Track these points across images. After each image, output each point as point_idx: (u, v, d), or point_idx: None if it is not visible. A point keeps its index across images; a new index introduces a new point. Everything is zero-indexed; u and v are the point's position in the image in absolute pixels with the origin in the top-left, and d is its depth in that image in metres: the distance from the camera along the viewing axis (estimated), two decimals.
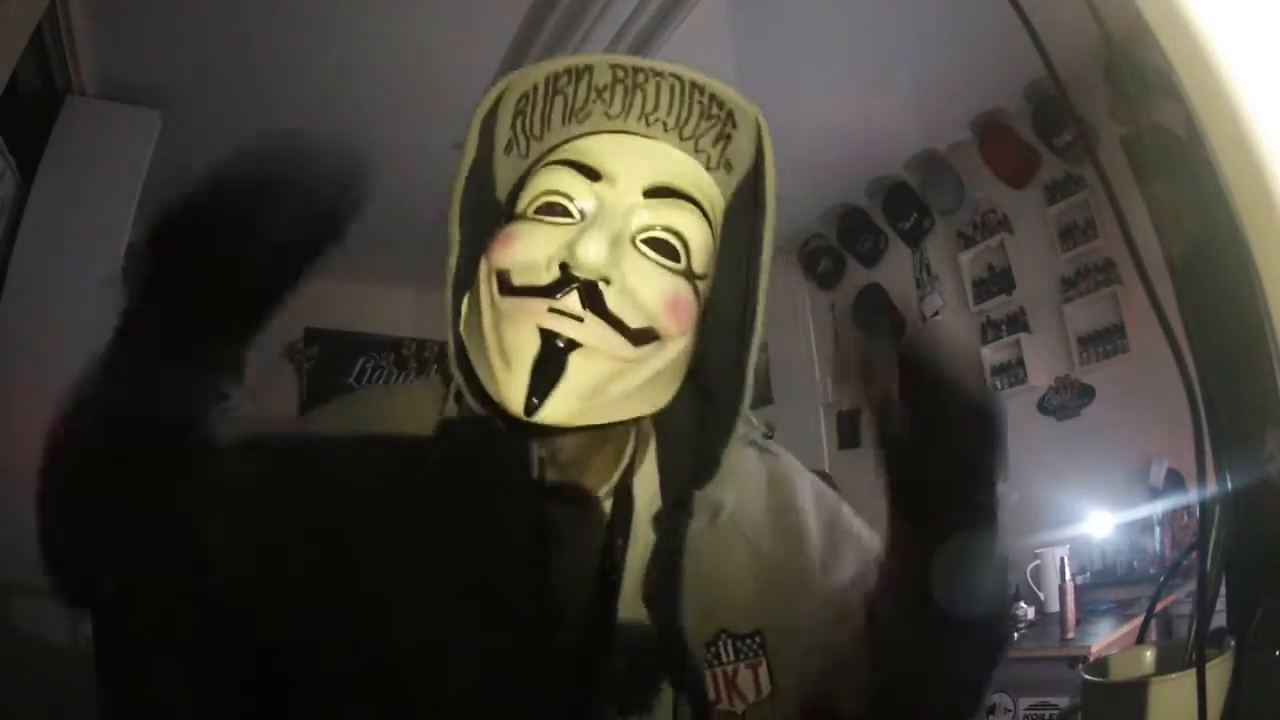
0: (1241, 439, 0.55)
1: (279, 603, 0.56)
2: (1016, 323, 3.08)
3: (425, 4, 2.31)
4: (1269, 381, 0.48)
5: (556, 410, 0.57)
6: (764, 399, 4.16)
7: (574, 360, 0.57)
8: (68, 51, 2.36)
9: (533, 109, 0.65)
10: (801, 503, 0.70)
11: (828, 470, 3.69)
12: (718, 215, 0.67)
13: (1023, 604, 2.48)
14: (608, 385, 0.59)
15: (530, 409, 0.57)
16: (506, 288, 0.60)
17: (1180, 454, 2.34)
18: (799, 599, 0.65)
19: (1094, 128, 1.95)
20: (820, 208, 3.75)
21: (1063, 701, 2.07)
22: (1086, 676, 0.68)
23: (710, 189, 0.66)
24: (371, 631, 0.56)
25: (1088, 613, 2.37)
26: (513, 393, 0.57)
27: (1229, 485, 0.54)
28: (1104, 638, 2.15)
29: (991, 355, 3.14)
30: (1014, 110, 2.99)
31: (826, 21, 2.47)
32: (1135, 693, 0.60)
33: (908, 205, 3.43)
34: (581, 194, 0.62)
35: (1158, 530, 2.43)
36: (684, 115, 0.64)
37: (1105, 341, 2.76)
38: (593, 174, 0.62)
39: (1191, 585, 0.64)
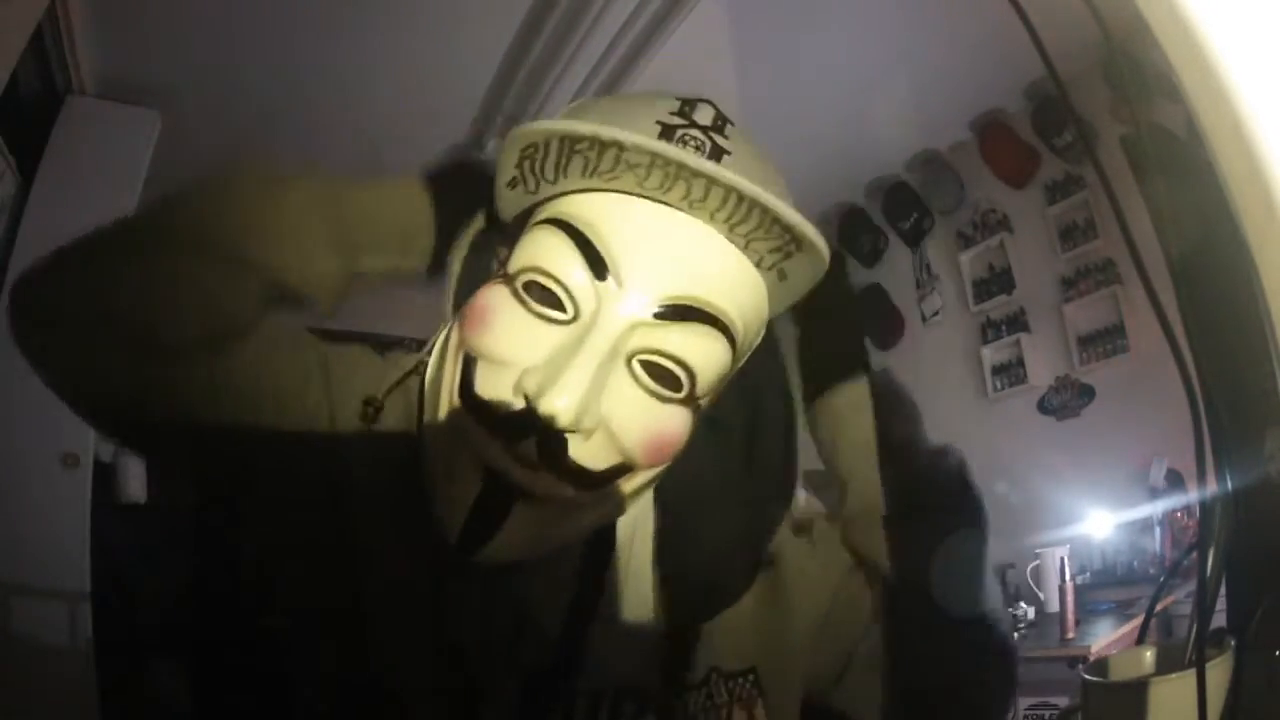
0: (1241, 439, 0.55)
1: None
2: (1016, 323, 3.08)
3: (424, 5, 2.31)
4: (1269, 381, 0.48)
5: (493, 555, 0.51)
6: None
7: (518, 507, 0.51)
8: (68, 51, 2.36)
9: (544, 158, 0.52)
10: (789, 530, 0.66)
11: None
12: (753, 325, 0.56)
13: (1023, 604, 2.49)
14: (554, 527, 0.53)
15: (464, 550, 0.51)
16: (468, 394, 0.52)
17: (1180, 454, 2.34)
18: (791, 633, 0.62)
19: (1094, 128, 1.95)
20: (820, 208, 3.75)
21: (1063, 701, 2.07)
22: (1086, 676, 0.68)
23: (750, 293, 0.54)
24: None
25: (1088, 613, 2.37)
26: (449, 522, 0.51)
27: (1229, 485, 0.54)
28: (1104, 638, 2.15)
29: (991, 355, 3.14)
30: (1014, 110, 2.99)
31: (826, 21, 2.47)
32: (1135, 693, 0.60)
33: (908, 205, 3.43)
34: (581, 290, 0.51)
35: (1158, 530, 2.43)
36: (737, 218, 0.51)
37: (1105, 341, 2.76)
38: (599, 266, 0.51)
39: (1191, 585, 0.64)
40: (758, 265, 0.54)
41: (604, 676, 0.57)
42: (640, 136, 0.49)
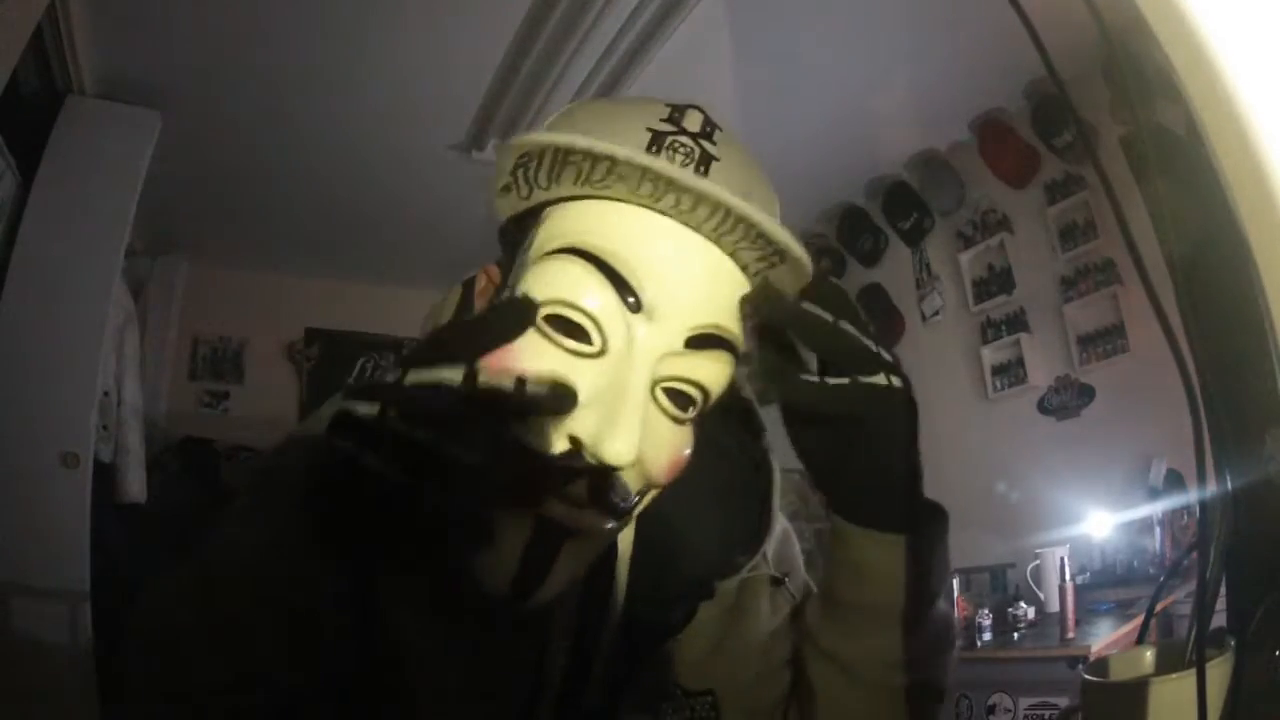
0: (1241, 439, 0.55)
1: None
2: (1016, 323, 3.08)
3: (424, 5, 2.31)
4: (1269, 381, 0.48)
5: (544, 595, 0.52)
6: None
7: (567, 546, 0.51)
8: (68, 51, 2.36)
9: (538, 166, 0.53)
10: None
11: None
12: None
13: (1023, 604, 2.49)
14: (589, 556, 0.55)
15: (517, 597, 0.51)
16: (512, 446, 0.51)
17: (1180, 454, 2.34)
18: (751, 655, 0.64)
19: (1094, 128, 1.95)
20: (820, 208, 3.76)
21: (1063, 701, 2.07)
22: (1086, 676, 0.68)
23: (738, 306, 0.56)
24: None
25: (1088, 613, 2.37)
26: (498, 574, 0.51)
27: (1229, 485, 0.54)
28: (1104, 638, 2.15)
29: (991, 355, 3.14)
30: (1014, 110, 2.99)
31: (826, 21, 2.47)
32: (1135, 693, 0.60)
33: (908, 205, 3.43)
34: (610, 322, 0.50)
35: (1158, 530, 2.43)
36: (724, 229, 0.52)
37: (1105, 341, 2.76)
38: (632, 297, 0.51)
39: (1191, 585, 0.64)
40: (742, 270, 0.55)
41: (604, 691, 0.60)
42: (632, 150, 0.50)
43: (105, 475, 2.55)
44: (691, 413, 0.54)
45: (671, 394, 0.53)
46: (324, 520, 0.52)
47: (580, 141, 0.50)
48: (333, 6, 2.33)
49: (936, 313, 3.40)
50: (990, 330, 3.15)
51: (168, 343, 3.77)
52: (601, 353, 0.51)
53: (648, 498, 0.55)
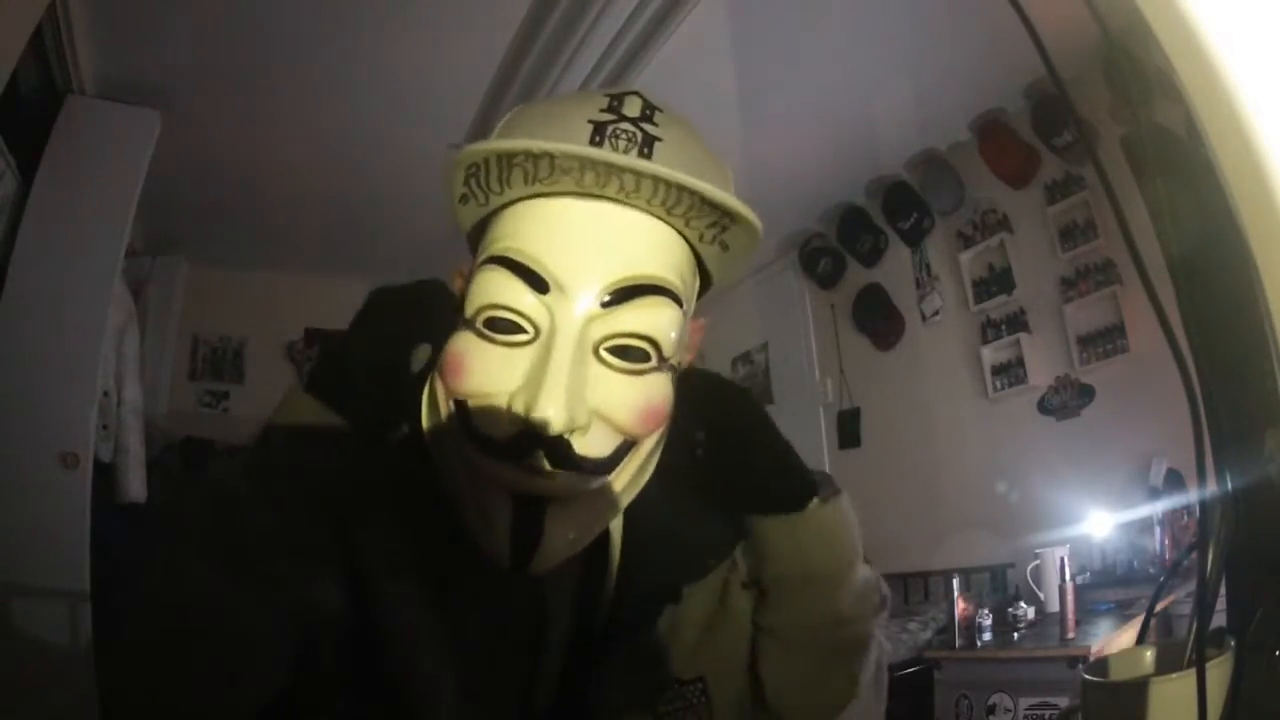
0: (1241, 439, 0.55)
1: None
2: (1016, 323, 3.08)
3: (424, 7, 2.31)
4: (1269, 381, 0.48)
5: (543, 562, 0.56)
6: (764, 399, 4.16)
7: (551, 514, 0.55)
8: (68, 51, 2.36)
9: (486, 174, 0.57)
10: None
11: (828, 470, 3.69)
12: (690, 279, 0.61)
13: (1023, 604, 2.49)
14: (589, 519, 0.58)
15: (517, 568, 0.55)
16: (471, 434, 0.56)
17: (1180, 454, 2.33)
18: (737, 644, 0.67)
19: (1094, 128, 1.95)
20: (820, 208, 3.75)
21: (1063, 701, 2.07)
22: (1086, 676, 0.68)
23: (680, 253, 0.59)
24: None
25: (1088, 613, 2.37)
26: (496, 551, 0.56)
27: (1229, 485, 0.54)
28: (1104, 638, 2.15)
29: (991, 355, 3.14)
30: (1014, 110, 2.99)
31: (826, 21, 2.47)
32: (1135, 693, 0.60)
33: (908, 205, 3.42)
34: (533, 310, 0.55)
35: (1158, 530, 2.43)
36: (671, 201, 0.56)
37: (1105, 341, 2.76)
38: (540, 284, 0.55)
39: (1191, 585, 0.64)
40: (700, 240, 0.59)
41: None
42: (567, 144, 0.54)
43: (105, 475, 2.54)
44: (650, 363, 0.57)
45: (617, 351, 0.56)
46: (321, 502, 0.57)
47: (517, 145, 0.54)
48: (333, 6, 2.32)
49: (936, 313, 3.39)
50: (990, 330, 3.15)
51: (168, 343, 3.77)
52: (534, 338, 0.55)
53: (643, 451, 0.59)
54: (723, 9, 2.37)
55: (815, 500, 0.64)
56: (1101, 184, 0.65)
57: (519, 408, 0.53)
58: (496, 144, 0.55)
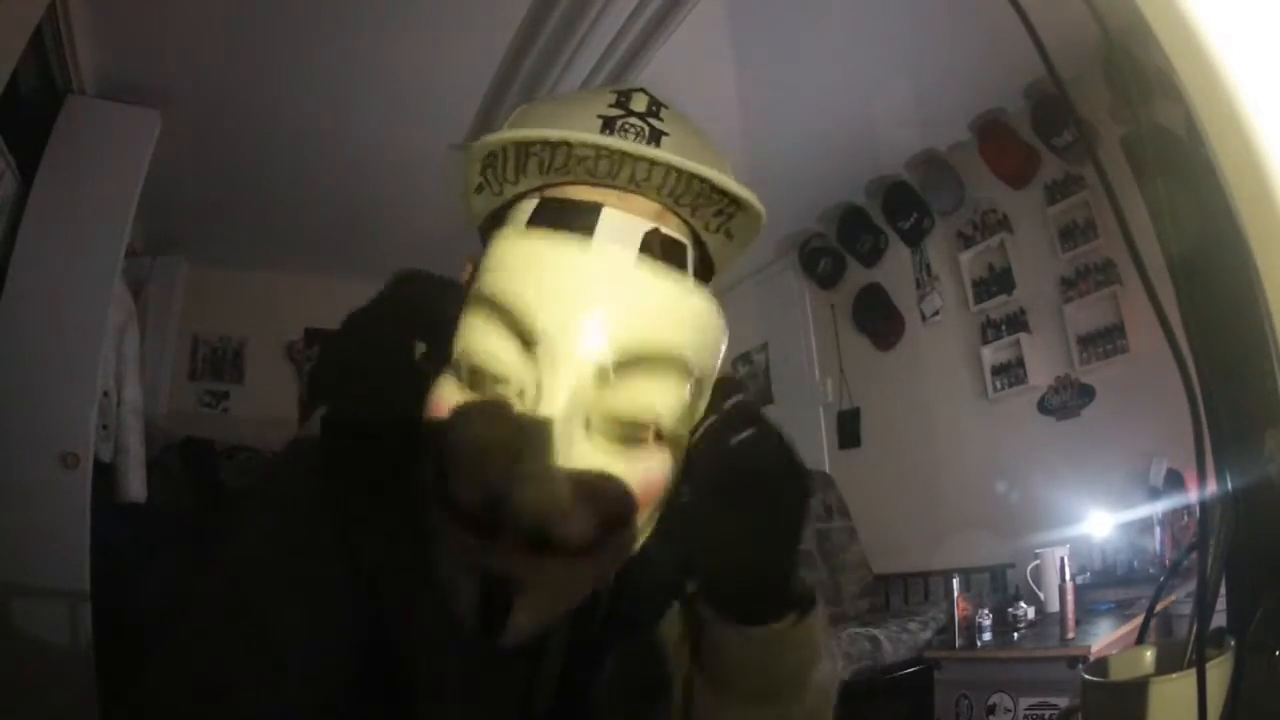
0: (1241, 439, 0.55)
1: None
2: (1016, 323, 3.08)
3: (424, 6, 2.31)
4: (1269, 381, 0.48)
5: (512, 638, 0.52)
6: (764, 399, 4.16)
7: (520, 596, 0.51)
8: (68, 51, 2.35)
9: (503, 163, 0.57)
10: None
11: (828, 470, 3.70)
12: (708, 339, 0.55)
13: (1023, 604, 2.49)
14: (564, 598, 0.54)
15: (487, 639, 0.52)
16: (440, 495, 0.52)
17: (1180, 454, 2.33)
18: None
19: (1094, 128, 1.95)
20: (820, 208, 3.75)
21: (1063, 701, 2.07)
22: (1086, 676, 0.68)
23: (693, 311, 0.54)
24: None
25: (1088, 613, 2.36)
26: (466, 619, 0.53)
27: (1229, 485, 0.54)
28: (1104, 638, 2.14)
29: (991, 355, 3.14)
30: (1014, 110, 2.99)
31: (826, 21, 2.47)
32: (1135, 693, 0.60)
33: (908, 205, 3.42)
34: (516, 366, 0.51)
35: (1158, 530, 2.42)
36: (679, 190, 0.56)
37: (1105, 341, 2.76)
38: (528, 338, 0.51)
39: (1191, 585, 0.64)
40: (705, 229, 0.59)
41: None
42: (584, 133, 0.54)
43: (105, 475, 2.54)
44: (649, 433, 0.52)
45: (609, 425, 0.51)
46: (329, 527, 0.55)
47: (535, 133, 0.55)
48: (333, 6, 2.32)
49: (936, 313, 3.39)
50: (990, 330, 3.15)
51: (168, 343, 3.77)
52: (521, 394, 0.51)
53: (630, 529, 0.53)
54: (723, 9, 2.37)
55: (791, 616, 0.56)
56: (1101, 184, 0.65)
57: (495, 482, 0.49)
58: (514, 133, 0.55)
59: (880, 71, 2.73)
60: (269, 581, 0.54)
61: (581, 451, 0.51)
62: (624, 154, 0.54)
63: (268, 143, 2.98)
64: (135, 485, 2.74)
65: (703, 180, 0.55)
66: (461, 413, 0.52)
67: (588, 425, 0.51)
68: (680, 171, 0.54)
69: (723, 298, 0.56)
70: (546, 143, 0.54)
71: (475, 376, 0.52)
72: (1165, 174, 0.57)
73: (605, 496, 0.51)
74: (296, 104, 2.75)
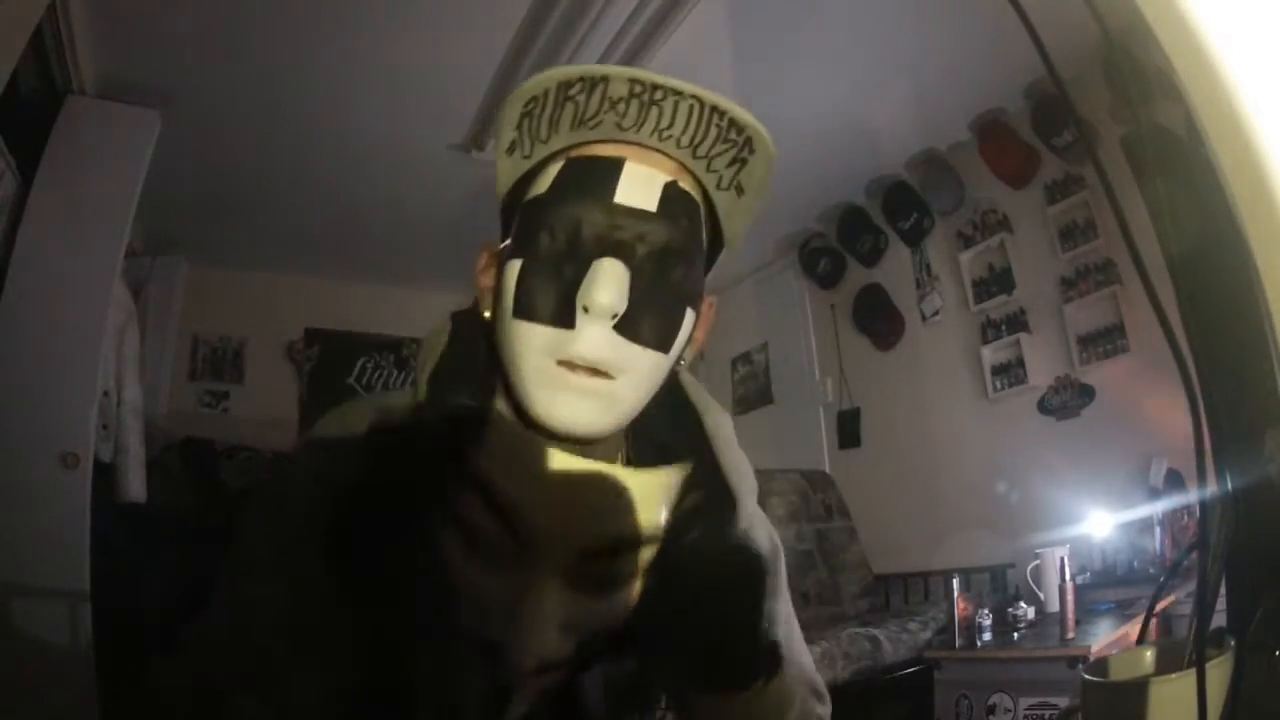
0: (1241, 439, 0.55)
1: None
2: (1016, 323, 3.07)
3: (424, 6, 2.31)
4: (1269, 381, 0.48)
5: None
6: (764, 399, 4.16)
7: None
8: (68, 51, 2.35)
9: (541, 111, 0.60)
10: None
11: (828, 470, 3.70)
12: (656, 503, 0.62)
13: (1023, 604, 2.48)
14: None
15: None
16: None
17: (1180, 454, 2.33)
18: None
19: (1094, 128, 1.95)
20: (820, 208, 3.75)
21: (1063, 701, 2.07)
22: (1086, 676, 0.68)
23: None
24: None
25: (1088, 613, 2.36)
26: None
27: (1229, 485, 0.54)
28: (1104, 638, 2.14)
29: (991, 355, 3.14)
30: (1014, 110, 2.99)
31: (826, 21, 2.46)
32: (1135, 693, 0.60)
33: (908, 205, 3.42)
34: (507, 552, 0.60)
35: (1158, 530, 2.42)
36: (699, 135, 0.60)
37: (1105, 341, 2.76)
38: (517, 535, 0.59)
39: (1191, 585, 0.64)
40: (718, 186, 0.63)
41: None
42: (620, 67, 0.58)
43: (105, 475, 2.54)
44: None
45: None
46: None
47: (577, 69, 0.58)
48: (333, 6, 2.32)
49: (936, 313, 3.39)
50: (990, 330, 3.15)
51: (168, 343, 3.76)
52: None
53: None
54: (723, 9, 2.37)
55: (759, 681, 0.60)
56: (1101, 184, 0.65)
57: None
58: (559, 70, 0.58)
59: (880, 71, 2.73)
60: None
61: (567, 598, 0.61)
62: (655, 85, 0.57)
63: (268, 143, 2.98)
64: (135, 485, 2.74)
65: (722, 114, 0.58)
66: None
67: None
68: (703, 106, 0.58)
69: (723, 296, 0.56)
70: (587, 79, 0.57)
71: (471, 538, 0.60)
72: (1165, 174, 0.57)
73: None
74: (296, 104, 2.75)
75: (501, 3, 2.35)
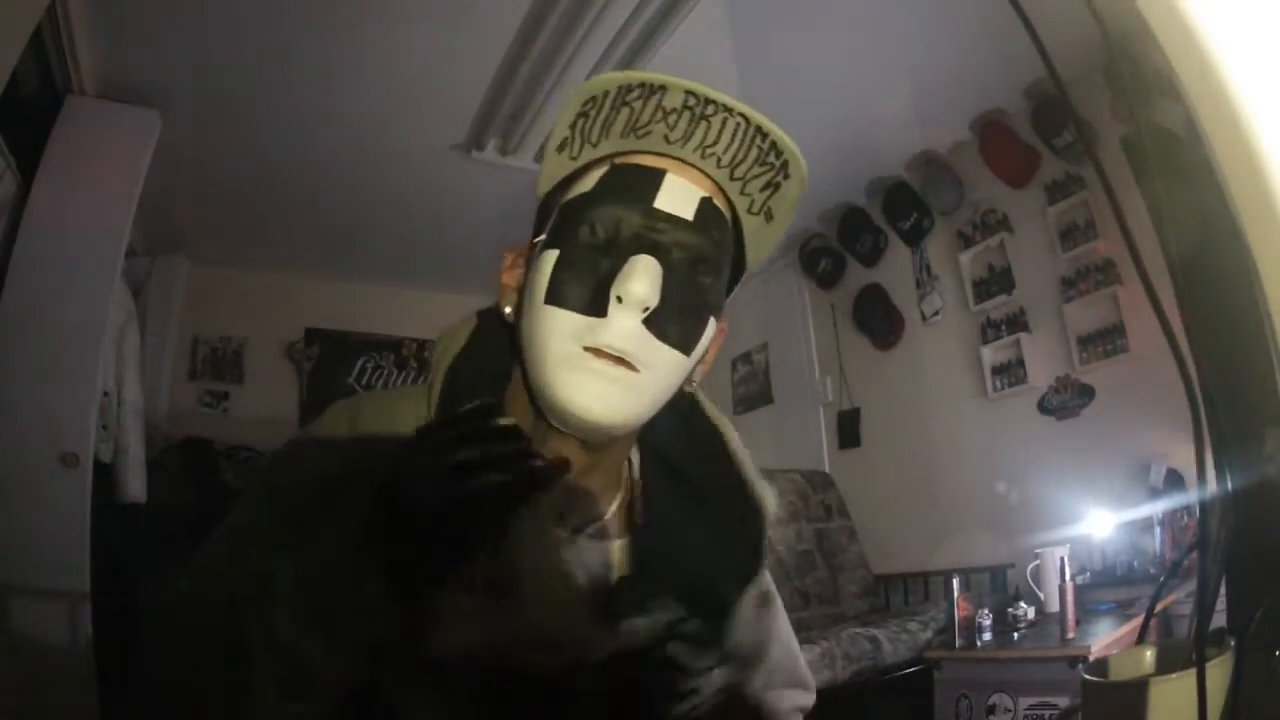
0: (1241, 439, 0.55)
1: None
2: (1016, 323, 3.07)
3: (424, 6, 2.31)
4: (1269, 381, 0.48)
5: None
6: (764, 399, 4.16)
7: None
8: (68, 51, 2.35)
9: (597, 113, 0.63)
10: None
11: (828, 470, 3.70)
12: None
13: (1023, 604, 2.48)
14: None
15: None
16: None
17: (1180, 454, 2.33)
18: None
19: (1094, 128, 1.95)
20: (820, 208, 3.75)
21: (1063, 701, 2.07)
22: (1086, 676, 0.68)
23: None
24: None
25: (1088, 613, 2.36)
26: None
27: (1229, 485, 0.54)
28: (1104, 638, 2.14)
29: (991, 355, 3.14)
30: (1014, 110, 2.99)
31: (827, 22, 2.47)
32: (1135, 693, 0.60)
33: (908, 205, 3.42)
34: None
35: (1158, 530, 2.42)
36: (740, 154, 0.62)
37: (1105, 341, 2.76)
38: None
39: (1191, 585, 0.64)
40: (749, 210, 0.65)
41: None
42: (677, 79, 0.60)
43: (105, 475, 2.54)
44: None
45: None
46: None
47: (640, 75, 0.61)
48: (333, 6, 2.32)
49: (936, 313, 3.39)
50: (990, 330, 3.15)
51: (168, 343, 3.76)
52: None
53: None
54: (723, 9, 2.37)
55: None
56: (1101, 184, 0.65)
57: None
58: (621, 75, 0.61)
59: (880, 72, 2.73)
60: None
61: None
62: (709, 100, 0.60)
63: (268, 143, 2.98)
64: (135, 485, 2.74)
65: (764, 135, 0.61)
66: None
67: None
68: (749, 125, 0.61)
69: None
70: (646, 85, 0.60)
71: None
72: (1165, 174, 0.57)
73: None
74: (296, 104, 2.75)
75: (501, 3, 2.34)
